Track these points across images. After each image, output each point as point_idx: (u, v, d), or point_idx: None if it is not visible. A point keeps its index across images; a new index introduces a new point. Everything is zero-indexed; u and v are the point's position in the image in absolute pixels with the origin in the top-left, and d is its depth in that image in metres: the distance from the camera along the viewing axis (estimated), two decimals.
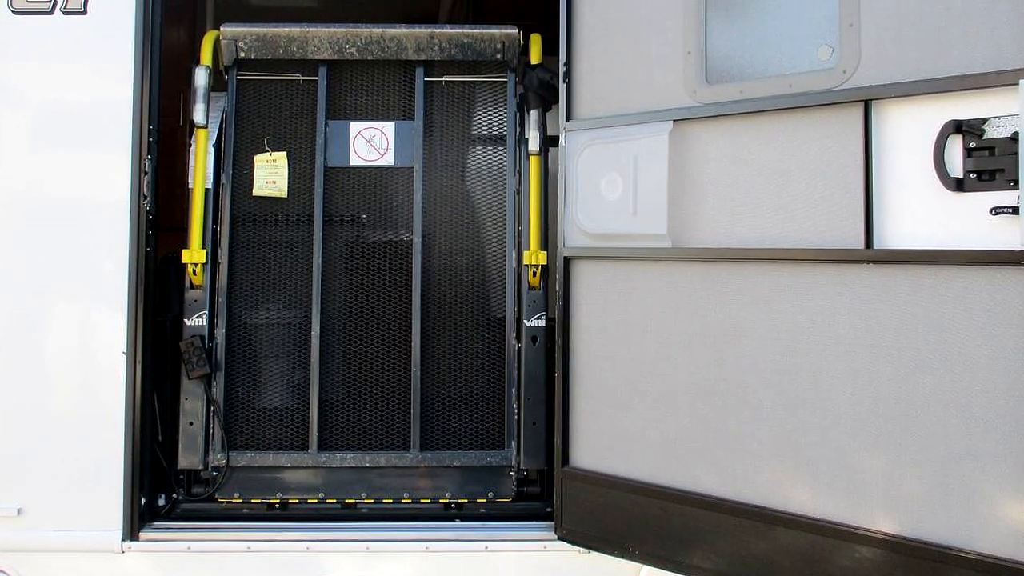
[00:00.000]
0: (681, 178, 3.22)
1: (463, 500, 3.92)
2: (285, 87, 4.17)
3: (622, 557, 3.39)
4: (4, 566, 3.62)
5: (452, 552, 3.65)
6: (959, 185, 2.58)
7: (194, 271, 3.92)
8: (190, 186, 3.98)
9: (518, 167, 4.07)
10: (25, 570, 3.63)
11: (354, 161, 4.11)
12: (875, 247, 2.75)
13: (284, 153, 4.07)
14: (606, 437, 3.45)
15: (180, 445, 3.90)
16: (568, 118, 3.59)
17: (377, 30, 4.07)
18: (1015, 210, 2.46)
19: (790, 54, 2.99)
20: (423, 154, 4.10)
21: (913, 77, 2.67)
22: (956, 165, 2.60)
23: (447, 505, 3.93)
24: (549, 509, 3.79)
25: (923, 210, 2.67)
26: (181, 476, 3.96)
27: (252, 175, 4.06)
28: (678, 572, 3.23)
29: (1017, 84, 2.45)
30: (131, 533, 3.63)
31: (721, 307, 3.12)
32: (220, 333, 3.95)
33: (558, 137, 3.65)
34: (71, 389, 3.65)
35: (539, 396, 3.91)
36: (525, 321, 3.95)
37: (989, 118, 2.53)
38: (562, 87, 3.62)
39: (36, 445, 3.63)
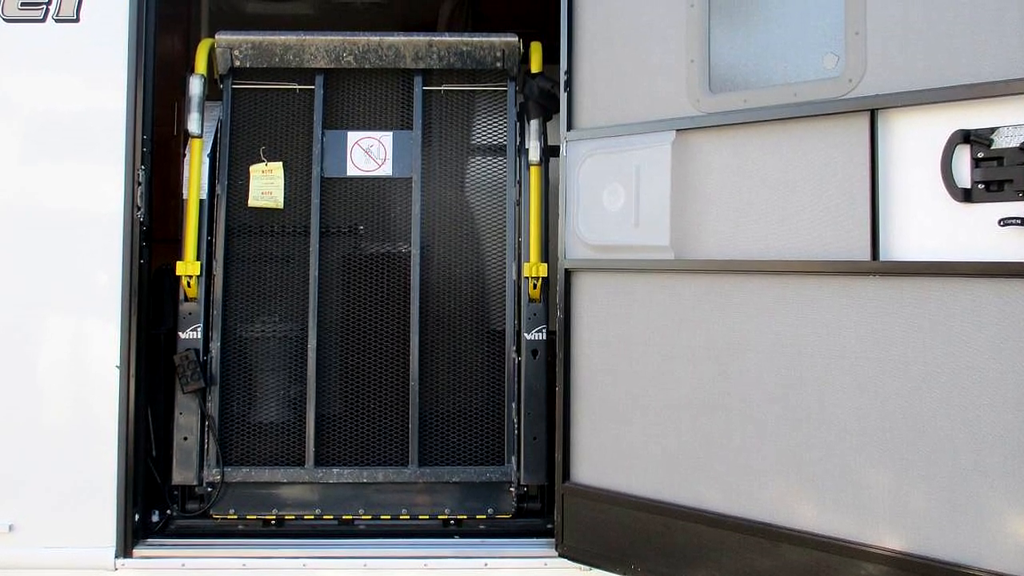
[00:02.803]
0: (684, 189, 3.19)
1: (462, 516, 3.89)
2: (281, 96, 4.14)
3: (624, 574, 3.36)
4: None
5: (451, 569, 3.62)
6: (967, 196, 2.56)
7: (189, 283, 3.89)
8: (184, 197, 3.96)
9: (518, 177, 4.04)
10: None
11: (351, 171, 4.08)
12: (881, 259, 2.72)
13: (280, 163, 4.04)
14: (608, 452, 3.41)
15: (174, 460, 3.87)
16: (569, 128, 3.57)
17: (375, 38, 4.05)
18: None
19: (795, 63, 2.96)
20: (421, 164, 4.07)
21: (920, 86, 2.64)
22: (964, 175, 2.57)
23: (446, 521, 3.89)
24: (550, 525, 3.75)
25: (930, 221, 2.64)
26: (175, 492, 3.92)
27: (248, 186, 4.03)
28: None
29: None
30: (124, 550, 3.60)
31: (724, 320, 3.09)
32: (215, 346, 3.92)
33: (559, 147, 3.62)
34: (64, 403, 3.62)
35: (539, 410, 3.88)
36: (525, 334, 3.92)
37: (997, 128, 2.50)
38: (563, 96, 3.59)
39: (28, 460, 3.61)
